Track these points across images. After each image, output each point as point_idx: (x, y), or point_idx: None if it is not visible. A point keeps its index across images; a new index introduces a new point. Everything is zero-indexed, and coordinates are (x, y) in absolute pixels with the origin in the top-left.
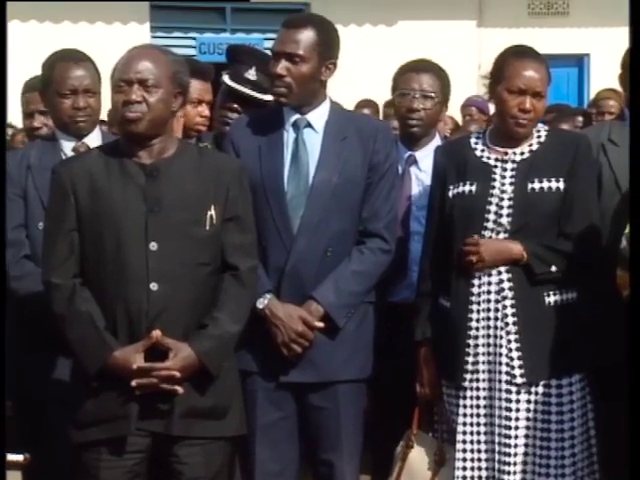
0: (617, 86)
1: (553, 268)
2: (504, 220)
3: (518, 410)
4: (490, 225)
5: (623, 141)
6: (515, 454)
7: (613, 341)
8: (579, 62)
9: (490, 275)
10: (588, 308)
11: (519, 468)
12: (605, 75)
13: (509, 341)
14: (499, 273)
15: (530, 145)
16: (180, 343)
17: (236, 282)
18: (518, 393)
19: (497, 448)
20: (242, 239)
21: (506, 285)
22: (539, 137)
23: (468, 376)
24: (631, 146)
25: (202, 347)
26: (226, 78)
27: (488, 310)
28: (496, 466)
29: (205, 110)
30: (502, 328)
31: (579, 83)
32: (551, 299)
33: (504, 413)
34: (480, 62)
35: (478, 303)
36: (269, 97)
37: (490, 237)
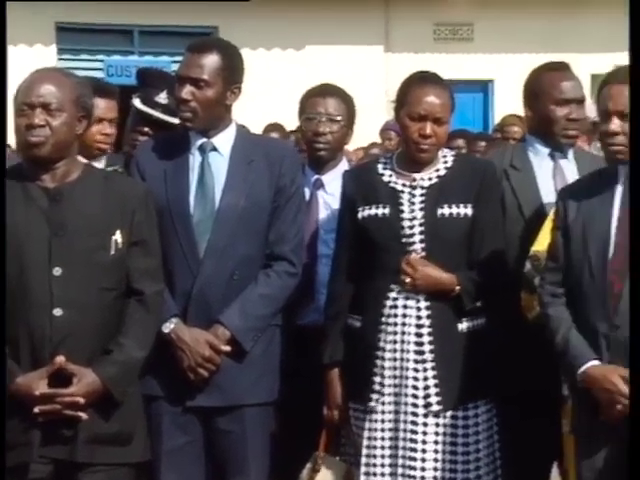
0: (521, 111)
1: (478, 303)
2: (418, 246)
3: (425, 434)
4: (406, 249)
5: (525, 166)
6: (422, 477)
7: (520, 367)
8: (484, 87)
9: (407, 299)
10: (496, 334)
11: None
12: (509, 100)
13: (425, 369)
14: (417, 301)
15: (437, 170)
16: (84, 369)
17: (141, 307)
18: (426, 416)
19: (401, 471)
20: (147, 264)
21: (424, 313)
22: (446, 162)
23: (375, 396)
24: (631, 148)
25: (107, 373)
26: (137, 102)
27: (395, 333)
28: None
29: (107, 128)
30: (417, 352)
31: (484, 108)
32: (463, 325)
33: (411, 436)
34: (387, 87)
35: (388, 324)
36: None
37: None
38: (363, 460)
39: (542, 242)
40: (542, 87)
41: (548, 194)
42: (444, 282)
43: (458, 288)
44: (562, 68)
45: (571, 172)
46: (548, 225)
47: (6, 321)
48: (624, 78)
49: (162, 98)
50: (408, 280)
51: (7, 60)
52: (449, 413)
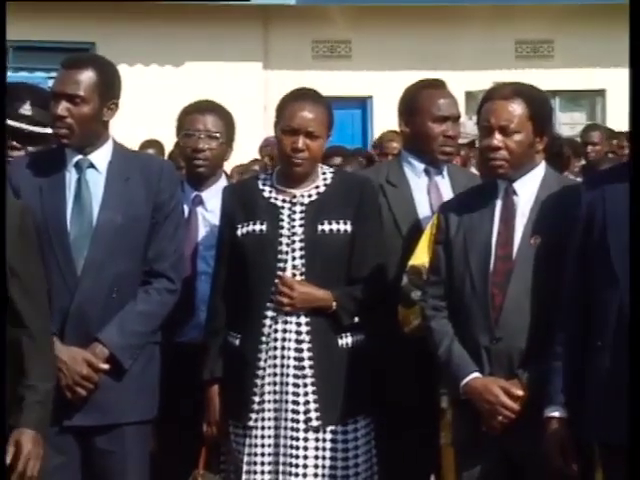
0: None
1: (356, 319)
2: (298, 262)
3: (306, 449)
4: (285, 266)
5: (400, 182)
6: None
7: (397, 380)
8: (362, 104)
9: (287, 315)
10: (375, 349)
11: None
12: (388, 116)
13: (305, 385)
14: (298, 316)
15: (317, 187)
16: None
17: (33, 345)
18: (306, 432)
19: None
20: (25, 302)
21: (304, 329)
22: (325, 179)
23: (254, 415)
24: (632, 147)
25: (29, 420)
26: None
27: (275, 349)
28: None
29: None
30: (297, 368)
31: (363, 124)
32: (343, 341)
33: (292, 452)
34: (266, 103)
35: (267, 343)
36: (47, 130)
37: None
38: (244, 477)
39: (419, 256)
40: (419, 104)
41: (423, 209)
42: (321, 299)
43: (335, 305)
44: (438, 85)
45: (446, 188)
46: (425, 240)
47: None
48: (506, 94)
49: (26, 109)
50: (286, 301)
51: (6, 61)
52: (329, 428)
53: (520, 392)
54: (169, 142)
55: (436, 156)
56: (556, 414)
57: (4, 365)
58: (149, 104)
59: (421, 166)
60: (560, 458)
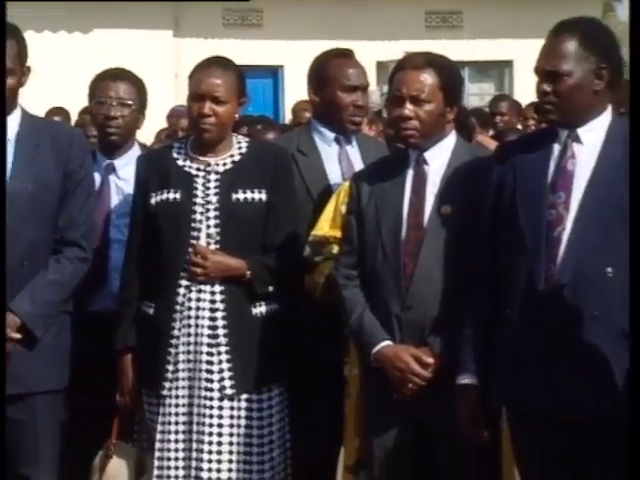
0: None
1: (270, 288)
2: (212, 230)
3: (221, 417)
4: (199, 235)
5: (311, 150)
6: (219, 461)
7: (307, 349)
8: (274, 73)
9: (200, 284)
10: (290, 319)
11: (224, 476)
12: (299, 86)
13: (219, 352)
14: (212, 285)
15: (232, 156)
16: None
17: None
18: (221, 400)
19: (195, 455)
20: None
21: (218, 298)
22: (240, 148)
23: (168, 384)
24: (631, 147)
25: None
26: None
27: (189, 318)
28: (193, 473)
29: None
30: (210, 337)
31: (274, 94)
32: (258, 310)
33: (206, 420)
34: (177, 71)
35: (181, 312)
36: None
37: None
38: (157, 445)
39: (321, 227)
40: (329, 73)
41: (335, 178)
42: (235, 268)
43: (249, 273)
44: (347, 55)
45: (356, 157)
46: (329, 210)
47: None
48: (417, 63)
49: None
50: (199, 270)
51: (6, 59)
52: (244, 396)
53: (430, 360)
54: (76, 110)
55: (345, 125)
56: (468, 381)
57: (4, 365)
58: (57, 71)
59: (331, 135)
60: (471, 425)
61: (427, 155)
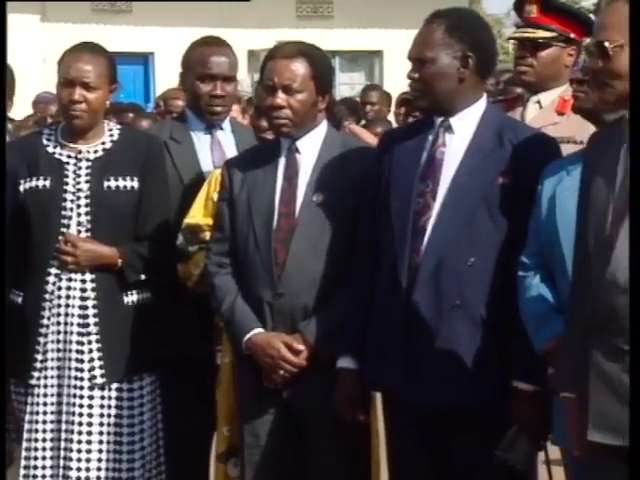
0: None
1: (142, 276)
2: (83, 218)
3: (91, 407)
4: (70, 223)
5: (184, 139)
6: (88, 451)
7: (179, 337)
8: (144, 60)
9: (71, 272)
10: (161, 308)
11: (93, 466)
12: (170, 73)
13: (90, 342)
14: (82, 273)
15: (103, 143)
16: None
17: None
18: (91, 389)
19: (63, 445)
20: None
21: (89, 286)
22: (112, 135)
23: (36, 374)
24: (631, 145)
25: None
26: None
27: (59, 307)
28: (62, 463)
29: None
30: (81, 325)
31: (145, 81)
32: (129, 298)
33: (75, 410)
34: (45, 56)
35: (51, 300)
36: None
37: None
38: (25, 436)
39: (194, 214)
40: (191, 62)
41: (207, 166)
42: (105, 256)
43: (120, 262)
44: (212, 43)
45: (230, 145)
46: (201, 197)
47: None
48: (289, 53)
49: None
50: (70, 259)
51: (7, 58)
52: (114, 386)
53: (302, 346)
54: None
55: (205, 115)
56: (345, 365)
57: (4, 364)
58: None
59: (202, 124)
60: (349, 408)
61: (299, 144)
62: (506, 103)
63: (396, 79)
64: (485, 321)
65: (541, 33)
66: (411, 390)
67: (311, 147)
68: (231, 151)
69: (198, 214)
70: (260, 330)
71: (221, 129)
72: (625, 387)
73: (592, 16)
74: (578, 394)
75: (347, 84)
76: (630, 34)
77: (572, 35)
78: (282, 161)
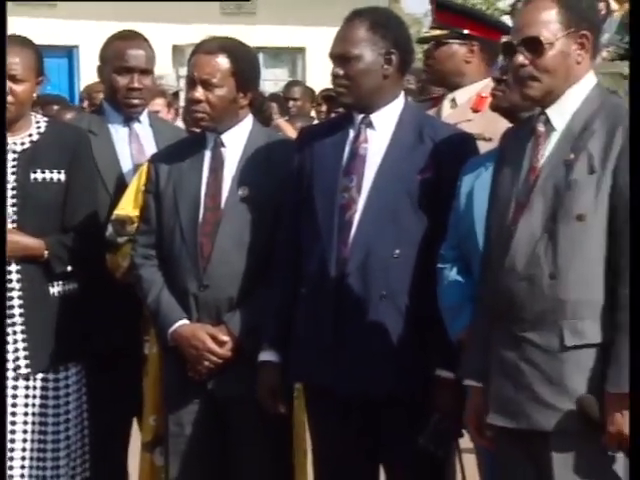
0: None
1: (69, 268)
2: (9, 210)
3: (15, 397)
4: None
5: (102, 132)
6: (12, 440)
7: (107, 327)
8: (69, 53)
9: None
10: (88, 298)
11: (17, 455)
12: (94, 67)
13: (15, 332)
14: (8, 264)
15: (30, 135)
16: None
17: None
18: (15, 379)
19: None
20: None
21: (14, 277)
22: (39, 128)
23: None
24: (631, 143)
25: None
26: None
27: None
28: None
29: None
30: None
31: (69, 74)
32: (55, 289)
33: None
34: None
35: None
36: None
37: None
38: None
39: (124, 207)
40: (108, 56)
41: (125, 159)
42: (31, 248)
43: (47, 253)
44: (128, 37)
45: (148, 139)
46: (131, 190)
47: None
48: (211, 48)
49: None
50: None
51: (6, 58)
52: (40, 376)
53: (226, 338)
54: None
55: (123, 107)
56: (267, 358)
57: (4, 363)
58: None
59: (120, 117)
60: (271, 400)
61: (224, 137)
62: (432, 102)
63: (319, 76)
64: (410, 311)
65: (436, 32)
66: (340, 381)
67: (236, 141)
68: (149, 144)
69: (128, 206)
70: (185, 322)
71: (139, 122)
72: (521, 374)
73: (507, 17)
74: (483, 381)
75: (271, 80)
76: (630, 34)
77: (466, 31)
78: (207, 154)
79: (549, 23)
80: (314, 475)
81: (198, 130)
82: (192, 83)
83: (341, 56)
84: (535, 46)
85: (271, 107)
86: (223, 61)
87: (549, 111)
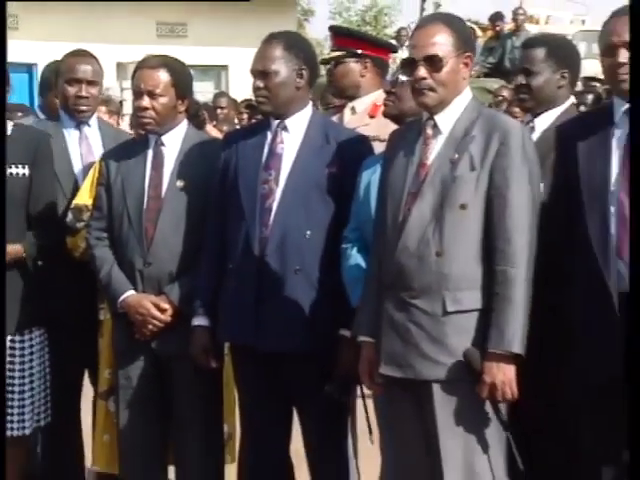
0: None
1: (40, 263)
2: None
3: None
4: None
5: (57, 134)
6: None
7: (69, 299)
8: (29, 70)
9: None
10: (51, 274)
11: None
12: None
13: None
14: None
15: None
16: None
17: None
18: None
19: None
20: None
21: None
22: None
23: None
24: (631, 144)
25: None
26: None
27: None
28: None
29: None
30: None
31: (30, 87)
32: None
33: None
34: None
35: None
36: None
37: None
38: None
39: (81, 197)
40: (61, 70)
41: (75, 158)
42: (11, 255)
43: (24, 256)
44: (79, 54)
45: (95, 139)
46: (88, 182)
47: None
48: (153, 64)
49: None
50: None
51: (7, 58)
52: (8, 338)
53: (167, 306)
54: None
55: (73, 113)
56: (198, 323)
57: (4, 364)
58: None
59: (73, 122)
60: (203, 357)
61: (164, 139)
62: (335, 110)
63: (240, 88)
64: (320, 282)
65: (335, 54)
66: (260, 340)
67: (174, 141)
68: (97, 145)
69: (84, 196)
70: (132, 292)
71: (89, 126)
72: (409, 333)
73: (394, 41)
74: (374, 337)
75: (199, 92)
76: (630, 34)
77: (360, 51)
78: (150, 153)
79: (444, 45)
80: (240, 417)
81: (142, 132)
82: (139, 94)
83: (261, 72)
84: (434, 63)
85: (204, 114)
86: (164, 74)
87: (437, 117)
